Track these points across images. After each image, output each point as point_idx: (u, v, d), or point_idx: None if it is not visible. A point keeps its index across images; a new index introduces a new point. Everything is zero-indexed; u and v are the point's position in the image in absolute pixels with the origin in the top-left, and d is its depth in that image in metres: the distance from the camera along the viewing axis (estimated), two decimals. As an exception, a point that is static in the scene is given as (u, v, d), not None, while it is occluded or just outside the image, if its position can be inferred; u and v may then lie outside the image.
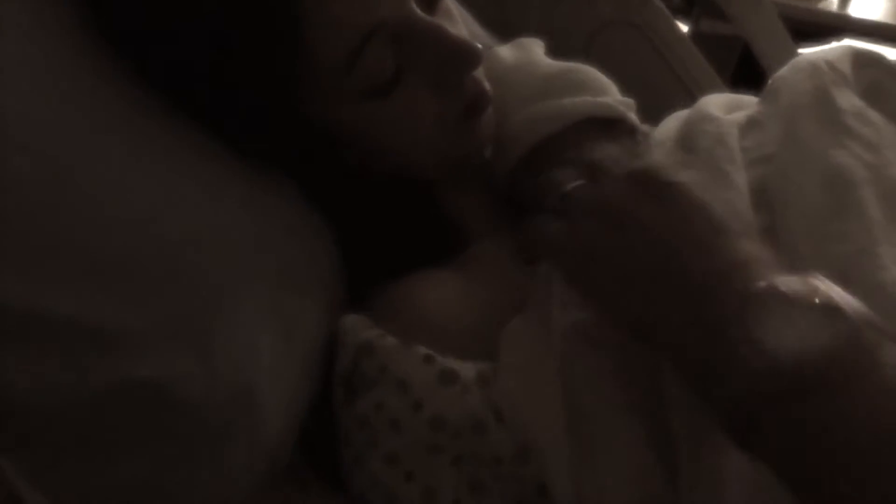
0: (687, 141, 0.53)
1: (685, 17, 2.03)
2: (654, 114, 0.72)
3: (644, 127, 0.64)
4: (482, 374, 0.45)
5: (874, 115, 0.50)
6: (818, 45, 0.59)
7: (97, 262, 0.39)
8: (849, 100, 0.50)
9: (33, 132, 0.39)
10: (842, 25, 1.68)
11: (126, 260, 0.40)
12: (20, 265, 0.38)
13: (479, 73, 0.52)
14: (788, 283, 0.34)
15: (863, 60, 0.53)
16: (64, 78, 0.43)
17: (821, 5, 1.72)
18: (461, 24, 0.52)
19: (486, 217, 0.57)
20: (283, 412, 0.46)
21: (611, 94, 0.58)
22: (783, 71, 0.54)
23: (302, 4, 0.44)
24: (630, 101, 0.59)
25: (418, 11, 0.47)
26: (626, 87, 0.86)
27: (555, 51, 0.74)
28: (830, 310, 0.33)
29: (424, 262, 0.52)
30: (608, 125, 0.56)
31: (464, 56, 0.49)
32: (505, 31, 0.84)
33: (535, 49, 0.61)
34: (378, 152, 0.51)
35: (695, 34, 1.83)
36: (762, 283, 0.34)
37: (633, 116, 0.58)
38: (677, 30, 0.91)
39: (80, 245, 0.39)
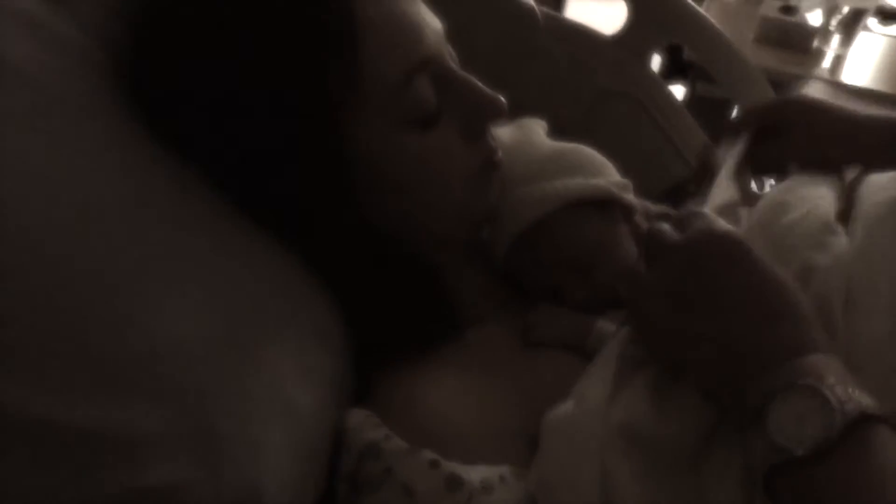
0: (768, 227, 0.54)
1: (683, 80, 2.09)
2: (652, 179, 0.74)
3: (650, 204, 0.65)
4: (486, 481, 0.45)
5: None
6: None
7: (111, 372, 0.40)
8: None
9: (52, 241, 0.40)
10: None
11: (138, 369, 0.41)
12: (37, 375, 0.38)
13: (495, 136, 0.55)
14: (805, 376, 0.39)
15: None
16: (86, 187, 0.43)
17: (814, 70, 1.77)
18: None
19: (486, 298, 0.59)
20: None
21: (607, 175, 0.60)
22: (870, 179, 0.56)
23: (361, 25, 0.46)
24: (626, 182, 0.61)
25: (454, 65, 0.52)
26: (625, 155, 0.88)
27: (555, 120, 0.76)
28: (830, 407, 0.38)
29: (427, 339, 0.53)
30: (603, 205, 0.58)
31: (491, 105, 0.52)
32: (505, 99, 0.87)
33: (535, 129, 0.63)
34: (399, 188, 0.51)
35: (691, 97, 1.88)
36: (784, 380, 0.39)
37: (628, 196, 0.60)
38: (673, 99, 0.93)
39: (94, 355, 0.40)
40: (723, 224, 0.47)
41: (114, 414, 0.39)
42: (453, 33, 0.62)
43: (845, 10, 1.85)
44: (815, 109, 0.63)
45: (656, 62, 1.98)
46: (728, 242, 0.45)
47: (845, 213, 0.55)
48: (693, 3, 0.89)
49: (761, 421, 0.39)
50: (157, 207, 0.45)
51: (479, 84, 0.52)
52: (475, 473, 0.45)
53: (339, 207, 0.50)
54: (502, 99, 0.53)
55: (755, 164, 0.65)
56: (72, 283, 0.40)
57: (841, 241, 0.51)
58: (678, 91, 1.95)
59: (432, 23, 0.52)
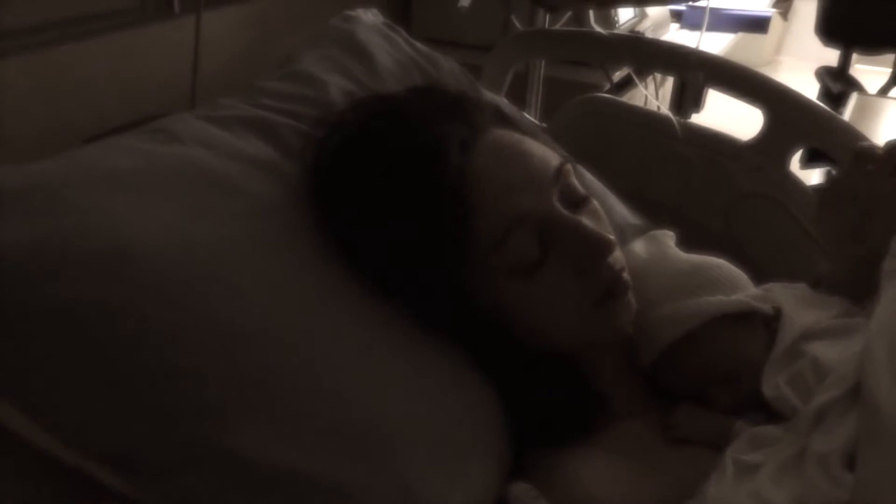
0: None
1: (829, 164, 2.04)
2: (797, 276, 0.76)
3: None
4: None
5: None
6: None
7: (337, 430, 0.50)
8: None
9: (289, 325, 0.53)
10: None
11: (359, 429, 0.51)
12: (281, 430, 0.49)
13: (619, 261, 0.60)
14: None
15: None
16: (302, 283, 0.56)
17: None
18: (605, 223, 0.62)
19: (633, 394, 0.64)
20: None
21: (743, 288, 0.65)
22: None
23: (470, 198, 0.56)
24: (761, 294, 0.65)
25: (559, 208, 0.58)
26: (769, 254, 0.91)
27: (692, 221, 0.80)
28: None
29: (576, 428, 0.59)
30: (743, 318, 0.62)
31: (597, 245, 0.58)
32: (647, 206, 0.93)
33: (667, 242, 0.69)
34: (524, 326, 0.60)
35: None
36: None
37: (765, 307, 0.64)
38: (814, 199, 0.96)
39: (323, 415, 0.50)
40: None
41: (338, 467, 0.49)
42: (596, 151, 0.70)
43: None
44: None
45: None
46: None
47: None
48: (826, 108, 0.93)
49: None
50: (362, 314, 0.57)
51: (585, 226, 0.58)
52: None
53: (482, 333, 0.60)
54: (609, 237, 0.59)
55: None
56: (314, 366, 0.52)
57: None
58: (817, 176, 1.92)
59: (538, 171, 0.59)
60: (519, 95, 1.23)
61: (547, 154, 0.61)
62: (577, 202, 0.61)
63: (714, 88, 1.03)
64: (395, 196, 0.57)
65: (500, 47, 1.14)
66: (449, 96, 0.65)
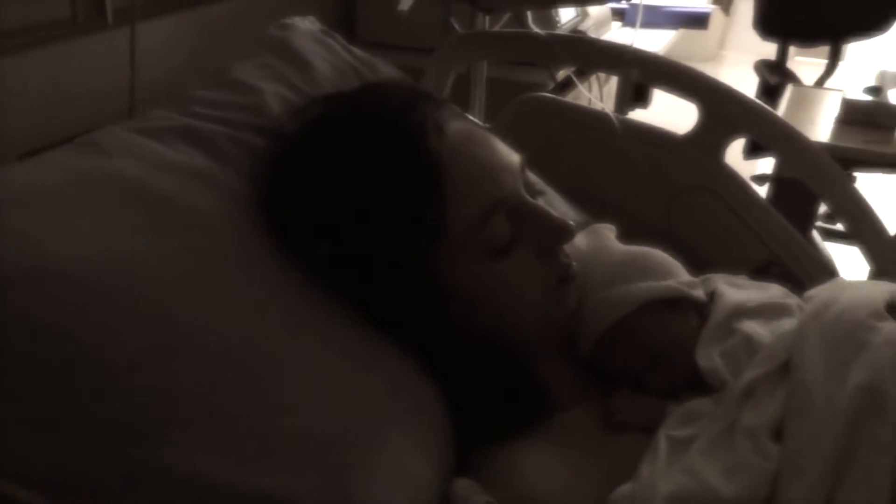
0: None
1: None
2: (734, 264, 0.79)
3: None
4: None
5: None
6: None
7: (272, 442, 0.50)
8: None
9: (225, 337, 0.52)
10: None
11: (294, 439, 0.51)
12: (218, 446, 0.49)
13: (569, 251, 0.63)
14: None
15: None
16: (246, 293, 0.56)
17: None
18: (561, 206, 0.64)
19: (574, 385, 0.65)
20: None
21: (676, 275, 0.67)
22: None
23: (444, 176, 0.57)
24: (695, 280, 0.67)
25: (527, 196, 0.61)
26: (707, 243, 0.94)
27: (634, 214, 0.83)
28: None
29: (520, 421, 0.60)
30: (675, 303, 0.65)
31: (561, 231, 0.61)
32: (590, 202, 0.95)
33: (607, 235, 0.71)
34: (486, 307, 0.61)
35: (778, 177, 1.91)
36: None
37: (697, 293, 0.66)
38: (750, 190, 0.99)
39: (268, 434, 0.50)
40: None
41: (275, 477, 0.49)
42: (540, 150, 0.71)
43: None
44: None
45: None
46: None
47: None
48: (756, 99, 0.96)
49: None
50: (305, 319, 0.57)
51: (549, 212, 0.62)
52: None
53: (438, 321, 0.61)
54: (570, 223, 0.62)
55: None
56: (251, 378, 0.52)
57: (892, 325, 0.56)
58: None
59: (507, 159, 0.61)
60: (462, 97, 1.24)
61: (506, 146, 0.63)
62: (535, 194, 0.63)
63: (649, 84, 1.06)
64: (370, 185, 0.57)
65: (440, 50, 1.15)
66: (405, 89, 0.66)
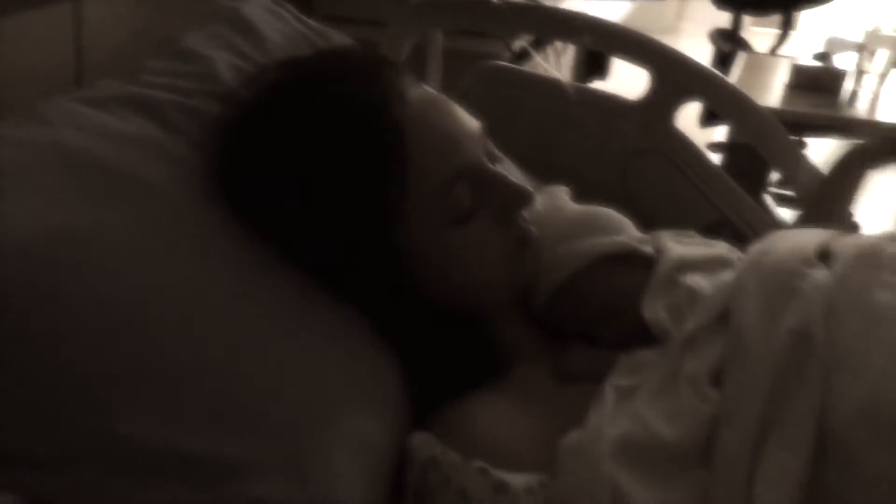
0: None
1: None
2: (684, 224, 0.81)
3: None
4: (528, 485, 0.53)
5: None
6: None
7: (223, 408, 0.51)
8: None
9: (173, 306, 0.52)
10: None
11: (245, 405, 0.52)
12: (168, 414, 0.49)
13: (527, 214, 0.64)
14: None
15: None
16: (195, 259, 0.56)
17: (849, 111, 1.82)
18: (516, 174, 0.65)
19: (528, 342, 0.67)
20: None
21: (626, 232, 0.69)
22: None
23: (407, 145, 0.57)
24: (644, 237, 0.69)
25: (488, 163, 0.62)
26: (659, 205, 0.96)
27: (589, 179, 0.84)
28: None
29: (477, 382, 0.62)
30: (626, 258, 0.67)
31: (519, 196, 0.62)
32: (547, 171, 0.96)
33: (561, 196, 0.73)
34: (448, 273, 0.62)
35: (732, 143, 1.95)
36: None
37: (646, 249, 0.68)
38: (702, 155, 1.01)
39: (213, 398, 0.51)
40: None
41: (226, 443, 0.50)
42: (496, 117, 0.72)
43: (880, 51, 1.91)
44: None
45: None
46: None
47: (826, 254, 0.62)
48: (706, 66, 0.98)
49: None
50: (259, 287, 0.57)
51: (510, 179, 0.62)
52: (519, 479, 0.53)
53: (399, 288, 0.61)
54: (530, 190, 0.63)
55: None
56: (200, 345, 0.52)
57: (821, 271, 0.59)
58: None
59: (469, 127, 0.62)
60: (418, 69, 1.24)
61: (467, 114, 0.64)
62: (494, 160, 0.64)
63: (601, 51, 1.07)
64: (331, 154, 0.57)
65: (395, 20, 1.15)
66: (365, 56, 0.65)
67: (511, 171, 0.89)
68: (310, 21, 0.87)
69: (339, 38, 0.87)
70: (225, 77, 0.70)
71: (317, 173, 0.57)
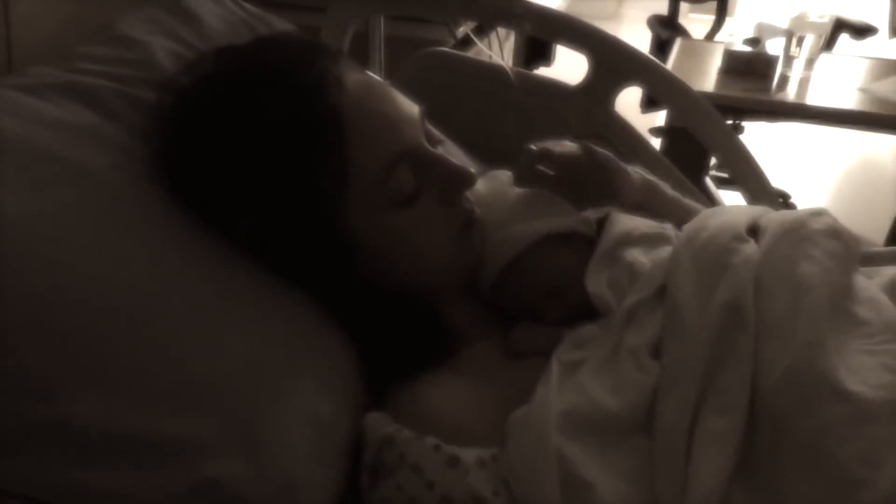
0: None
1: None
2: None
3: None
4: (480, 458, 0.55)
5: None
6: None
7: (169, 387, 0.51)
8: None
9: (140, 295, 0.52)
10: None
11: (194, 384, 0.52)
12: (115, 396, 0.49)
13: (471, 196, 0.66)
14: None
15: None
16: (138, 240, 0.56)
17: (780, 95, 1.89)
18: (458, 156, 0.66)
19: (477, 322, 0.68)
20: (319, 501, 0.55)
21: (567, 214, 0.71)
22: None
23: (346, 129, 0.57)
24: (586, 218, 0.71)
25: (428, 146, 0.62)
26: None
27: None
28: None
29: (428, 362, 0.63)
30: (567, 238, 0.69)
31: (462, 178, 0.63)
32: (490, 153, 0.98)
33: (503, 179, 0.75)
34: (394, 256, 0.63)
35: (670, 128, 2.00)
36: None
37: (588, 229, 0.70)
38: (642, 138, 1.04)
39: (165, 380, 0.51)
40: None
41: (175, 423, 0.50)
42: (440, 102, 0.73)
43: (807, 36, 1.98)
44: None
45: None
46: None
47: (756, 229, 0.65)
48: (643, 52, 1.01)
49: None
50: (205, 272, 0.58)
51: (450, 160, 0.63)
52: (471, 454, 0.55)
53: (344, 272, 0.62)
54: (470, 170, 0.64)
55: None
56: (144, 327, 0.52)
57: (751, 246, 0.62)
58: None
59: (408, 111, 0.63)
60: (361, 56, 1.24)
61: (406, 98, 0.64)
62: (434, 143, 0.65)
63: (540, 37, 1.08)
64: (270, 141, 0.57)
65: (335, 5, 1.14)
66: (302, 42, 0.65)
67: (452, 153, 0.91)
68: (250, 6, 0.86)
69: (280, 23, 0.87)
70: (163, 64, 0.69)
71: (254, 160, 0.57)
